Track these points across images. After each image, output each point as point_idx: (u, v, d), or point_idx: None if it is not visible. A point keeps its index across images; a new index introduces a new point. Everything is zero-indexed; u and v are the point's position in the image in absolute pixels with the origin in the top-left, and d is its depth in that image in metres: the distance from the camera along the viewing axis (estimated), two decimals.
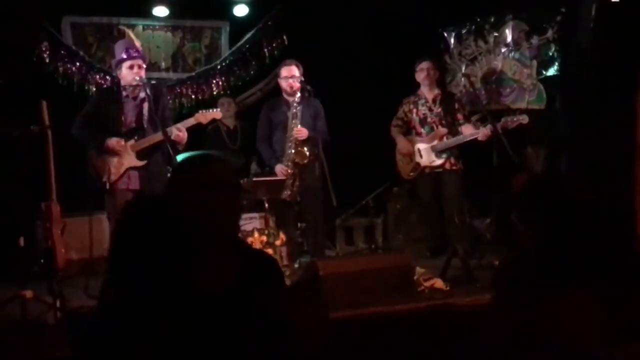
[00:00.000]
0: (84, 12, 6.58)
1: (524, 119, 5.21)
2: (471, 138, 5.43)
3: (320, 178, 5.18)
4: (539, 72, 6.20)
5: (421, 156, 5.71)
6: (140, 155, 4.70)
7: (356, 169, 6.41)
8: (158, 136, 4.60)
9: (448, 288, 4.42)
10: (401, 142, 5.83)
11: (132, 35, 5.11)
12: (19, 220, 4.39)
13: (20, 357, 3.60)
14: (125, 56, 4.74)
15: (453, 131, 5.68)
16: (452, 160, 5.66)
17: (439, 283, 4.44)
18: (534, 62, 6.22)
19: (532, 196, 2.05)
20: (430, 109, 5.76)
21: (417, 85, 5.92)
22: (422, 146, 5.71)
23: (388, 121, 6.02)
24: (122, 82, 4.79)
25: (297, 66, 5.37)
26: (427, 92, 5.80)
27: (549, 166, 5.85)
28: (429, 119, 5.75)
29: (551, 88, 6.12)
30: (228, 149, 6.21)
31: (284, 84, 5.39)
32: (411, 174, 5.82)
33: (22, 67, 5.92)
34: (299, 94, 5.27)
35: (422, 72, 5.78)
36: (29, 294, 4.06)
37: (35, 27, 6.18)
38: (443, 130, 5.69)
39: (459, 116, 5.73)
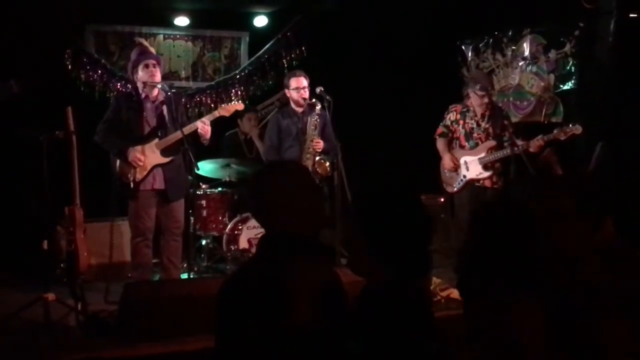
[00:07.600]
0: (106, 21, 6.67)
1: (577, 129, 4.95)
2: (521, 150, 5.05)
3: (339, 187, 5.19)
4: (556, 86, 6.23)
5: (467, 169, 5.47)
6: (164, 152, 4.78)
7: (373, 178, 6.43)
8: (180, 134, 4.68)
9: None
10: (446, 159, 5.54)
11: (145, 43, 5.18)
12: (43, 224, 4.44)
13: (42, 358, 3.66)
14: (139, 57, 4.83)
15: (500, 145, 5.39)
16: (495, 178, 5.45)
17: (455, 293, 4.43)
18: (552, 76, 6.25)
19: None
20: (478, 124, 5.46)
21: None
22: (468, 159, 5.47)
23: (404, 131, 5.96)
24: (139, 84, 4.82)
25: (305, 77, 5.37)
26: (478, 105, 5.43)
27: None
28: (475, 134, 5.46)
29: (568, 102, 6.15)
30: (245, 158, 6.26)
31: (295, 95, 5.36)
32: (456, 187, 5.56)
33: (48, 74, 5.99)
34: (319, 105, 5.24)
35: (484, 98, 5.36)
36: (51, 296, 4.15)
37: (59, 35, 6.27)
38: (491, 142, 5.41)
39: (507, 133, 5.33)
